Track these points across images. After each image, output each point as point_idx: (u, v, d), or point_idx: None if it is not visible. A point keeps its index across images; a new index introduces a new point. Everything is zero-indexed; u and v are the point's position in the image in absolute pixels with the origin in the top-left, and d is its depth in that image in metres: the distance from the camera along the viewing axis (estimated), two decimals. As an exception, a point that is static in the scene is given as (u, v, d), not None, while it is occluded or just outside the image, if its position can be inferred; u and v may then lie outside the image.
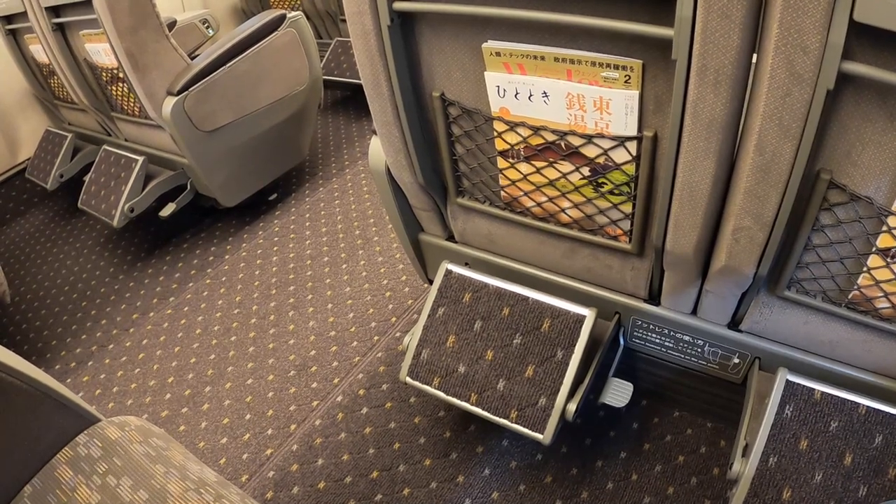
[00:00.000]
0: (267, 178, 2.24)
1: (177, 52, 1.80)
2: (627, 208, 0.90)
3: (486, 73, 0.85)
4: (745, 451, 0.90)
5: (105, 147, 2.19)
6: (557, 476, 1.21)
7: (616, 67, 0.74)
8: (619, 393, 1.10)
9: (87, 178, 2.17)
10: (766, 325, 0.94)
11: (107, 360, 1.74)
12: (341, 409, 1.41)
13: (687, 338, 1.07)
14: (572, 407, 0.99)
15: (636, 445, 1.24)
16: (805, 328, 0.90)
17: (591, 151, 0.85)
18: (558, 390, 1.00)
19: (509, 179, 0.98)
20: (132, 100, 1.93)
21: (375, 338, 1.60)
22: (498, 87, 0.85)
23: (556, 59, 0.77)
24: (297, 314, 1.74)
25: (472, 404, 1.05)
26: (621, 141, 0.81)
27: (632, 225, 0.92)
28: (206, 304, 1.86)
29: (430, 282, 1.36)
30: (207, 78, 1.83)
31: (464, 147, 0.99)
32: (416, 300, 1.70)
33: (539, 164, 0.92)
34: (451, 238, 1.23)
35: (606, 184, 0.88)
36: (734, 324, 0.99)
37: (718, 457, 1.20)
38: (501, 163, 0.96)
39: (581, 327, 1.01)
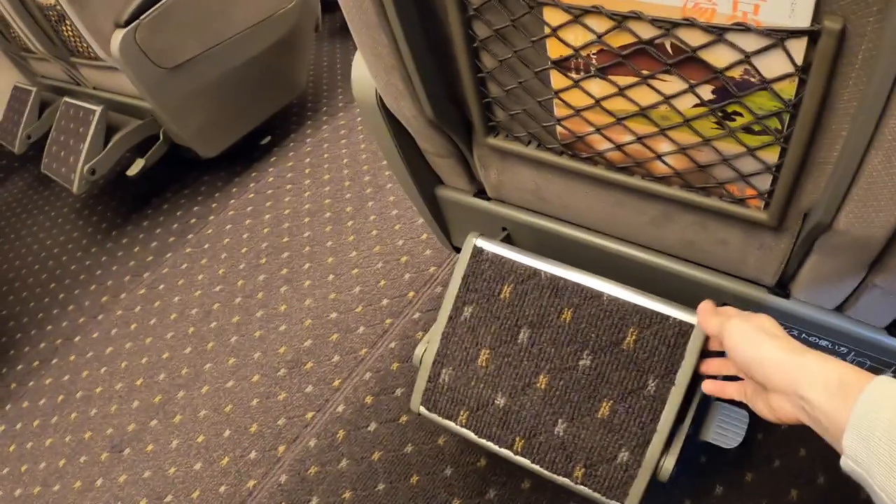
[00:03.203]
0: (256, 119, 1.88)
1: (118, -30, 1.41)
2: (772, 156, 0.52)
3: None
4: None
5: (65, 99, 1.85)
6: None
7: None
8: (730, 427, 0.74)
9: (49, 138, 1.85)
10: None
11: (72, 357, 1.46)
12: (343, 425, 1.09)
13: (824, 343, 0.71)
14: (670, 464, 0.65)
15: (736, 476, 0.90)
16: None
17: (719, 57, 0.46)
18: (649, 440, 0.65)
19: (571, 107, 0.60)
20: (83, 39, 1.56)
21: (388, 321, 1.27)
22: (555, -69, 0.46)
23: None
24: (290, 290, 1.41)
25: (517, 454, 0.71)
26: (780, 38, 0.42)
27: (774, 183, 0.54)
28: (185, 281, 1.54)
29: (457, 249, 0.99)
30: (162, 2, 1.45)
31: (494, 57, 0.60)
32: (439, 267, 1.34)
33: (624, 80, 0.53)
34: (481, 194, 0.86)
35: (742, 114, 0.50)
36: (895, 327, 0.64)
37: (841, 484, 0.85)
38: (558, 80, 0.58)
39: (686, 343, 0.65)
